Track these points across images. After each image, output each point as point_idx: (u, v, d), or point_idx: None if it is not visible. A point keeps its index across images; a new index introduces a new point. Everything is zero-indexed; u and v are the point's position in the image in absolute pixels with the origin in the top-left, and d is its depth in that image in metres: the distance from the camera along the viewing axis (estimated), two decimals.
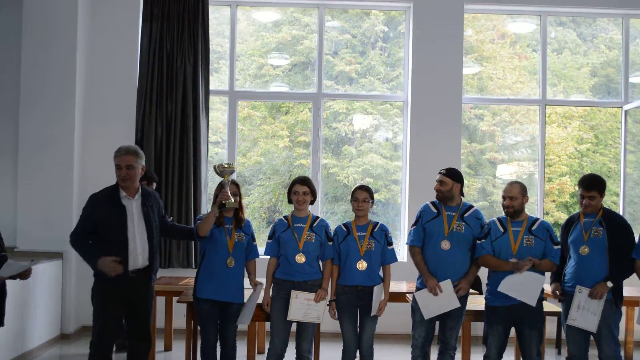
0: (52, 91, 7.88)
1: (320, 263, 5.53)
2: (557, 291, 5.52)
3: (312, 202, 5.54)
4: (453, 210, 5.49)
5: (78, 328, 7.96)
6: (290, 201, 5.54)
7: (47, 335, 7.38)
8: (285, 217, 5.58)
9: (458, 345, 5.63)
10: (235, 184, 5.49)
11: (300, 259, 5.35)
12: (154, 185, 6.95)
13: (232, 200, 5.27)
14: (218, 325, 5.43)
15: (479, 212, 5.58)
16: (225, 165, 5.30)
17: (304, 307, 5.34)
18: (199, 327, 5.46)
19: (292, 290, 5.35)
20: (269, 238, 5.55)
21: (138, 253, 5.10)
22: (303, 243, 5.39)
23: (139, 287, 5.17)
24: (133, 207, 5.16)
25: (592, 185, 5.35)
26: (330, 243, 5.51)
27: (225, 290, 5.33)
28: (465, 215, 5.48)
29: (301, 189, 5.44)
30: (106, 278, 5.02)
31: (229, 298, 5.36)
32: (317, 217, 5.58)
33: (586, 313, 5.21)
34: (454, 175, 5.50)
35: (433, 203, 5.59)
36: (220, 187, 5.33)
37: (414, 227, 5.56)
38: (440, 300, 5.30)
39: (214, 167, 5.38)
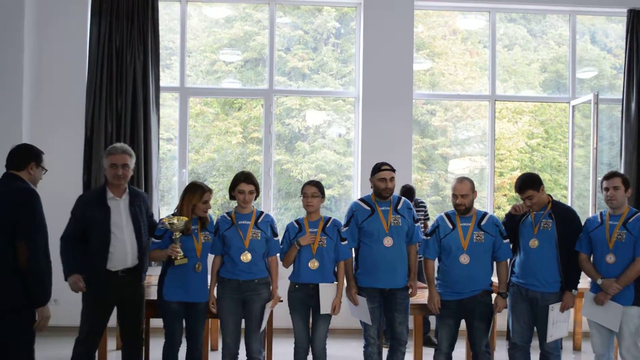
0: None
1: (266, 260, 5.41)
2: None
3: (255, 197, 5.40)
4: (386, 205, 5.47)
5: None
6: (232, 197, 5.38)
7: None
8: (228, 213, 5.41)
9: (409, 339, 5.64)
10: (209, 190, 5.29)
11: (246, 257, 5.24)
12: None
13: (182, 255, 5.09)
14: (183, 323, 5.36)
15: (408, 202, 5.59)
16: (176, 221, 5.04)
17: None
18: (164, 328, 5.30)
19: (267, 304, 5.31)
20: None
21: (127, 252, 5.11)
22: (249, 241, 5.27)
23: (128, 286, 5.17)
24: (121, 207, 5.16)
25: (524, 185, 5.25)
26: (276, 238, 5.43)
27: (193, 291, 5.24)
28: (398, 207, 5.47)
29: (247, 188, 5.27)
30: (95, 277, 5.04)
31: (196, 298, 5.27)
32: (262, 213, 5.44)
33: (559, 324, 5.26)
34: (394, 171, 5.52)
35: (363, 200, 5.57)
36: (172, 241, 5.12)
37: (346, 228, 5.49)
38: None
39: (164, 222, 5.09)
